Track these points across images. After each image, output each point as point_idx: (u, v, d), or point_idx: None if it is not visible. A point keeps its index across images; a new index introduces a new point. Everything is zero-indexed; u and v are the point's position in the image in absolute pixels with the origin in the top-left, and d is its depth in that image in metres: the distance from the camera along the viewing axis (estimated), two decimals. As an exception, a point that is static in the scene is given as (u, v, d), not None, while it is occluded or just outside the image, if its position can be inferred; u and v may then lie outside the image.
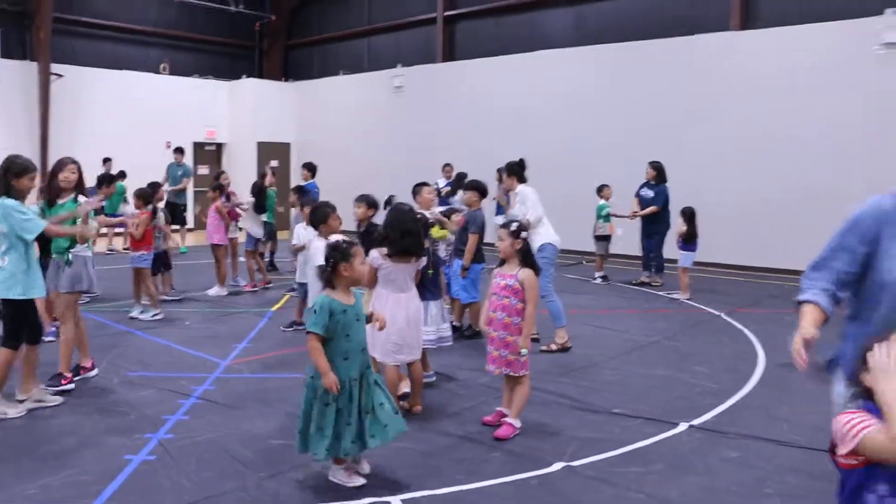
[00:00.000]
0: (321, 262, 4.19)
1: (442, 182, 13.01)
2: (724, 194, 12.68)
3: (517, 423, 4.96)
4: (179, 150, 16.00)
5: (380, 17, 19.71)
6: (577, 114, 14.67)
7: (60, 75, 17.33)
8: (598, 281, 11.53)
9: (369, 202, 6.70)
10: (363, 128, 18.91)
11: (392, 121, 18.27)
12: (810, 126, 11.98)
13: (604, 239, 11.64)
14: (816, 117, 11.95)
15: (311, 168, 12.12)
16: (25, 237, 5.08)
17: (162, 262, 9.34)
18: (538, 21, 16.42)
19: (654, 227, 11.27)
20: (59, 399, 5.48)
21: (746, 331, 8.25)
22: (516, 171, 7.57)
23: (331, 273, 4.00)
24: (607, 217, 11.54)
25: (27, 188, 5.21)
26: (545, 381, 6.10)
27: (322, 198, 12.54)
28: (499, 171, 10.39)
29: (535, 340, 6.76)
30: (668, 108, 13.50)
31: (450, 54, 18.06)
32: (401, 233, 5.05)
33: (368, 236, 6.02)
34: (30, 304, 5.22)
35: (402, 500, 3.93)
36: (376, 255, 5.09)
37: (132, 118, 18.01)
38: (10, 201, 5.06)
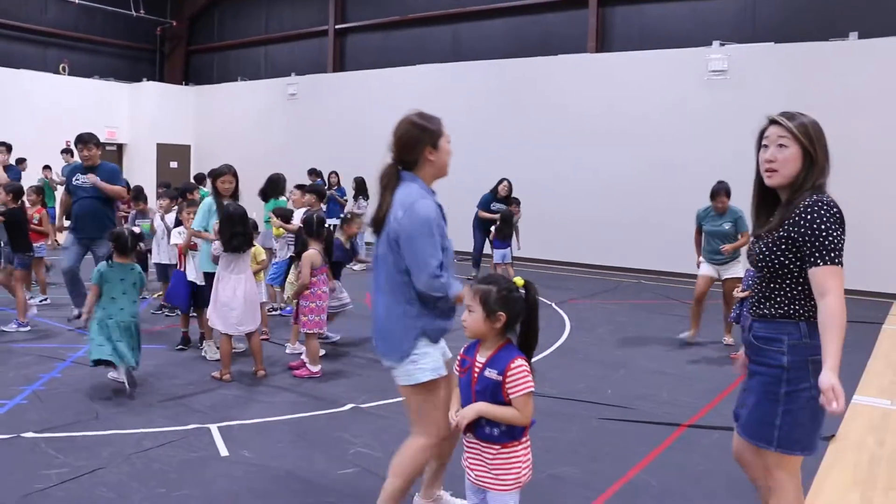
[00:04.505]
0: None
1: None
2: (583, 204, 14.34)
3: (314, 368, 6.49)
4: (68, 151, 15.81)
5: (276, 28, 20.81)
6: (468, 125, 15.95)
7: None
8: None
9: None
10: (259, 132, 19.91)
11: (286, 126, 19.34)
12: (651, 140, 13.75)
13: None
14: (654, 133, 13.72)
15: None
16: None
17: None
18: (420, 37, 17.79)
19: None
20: None
21: (566, 316, 9.70)
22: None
23: None
24: None
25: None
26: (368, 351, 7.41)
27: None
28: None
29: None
30: (531, 125, 15.08)
31: (340, 65, 19.29)
32: (230, 234, 6.15)
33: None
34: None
35: (219, 427, 5.14)
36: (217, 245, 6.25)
37: (30, 117, 18.34)
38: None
